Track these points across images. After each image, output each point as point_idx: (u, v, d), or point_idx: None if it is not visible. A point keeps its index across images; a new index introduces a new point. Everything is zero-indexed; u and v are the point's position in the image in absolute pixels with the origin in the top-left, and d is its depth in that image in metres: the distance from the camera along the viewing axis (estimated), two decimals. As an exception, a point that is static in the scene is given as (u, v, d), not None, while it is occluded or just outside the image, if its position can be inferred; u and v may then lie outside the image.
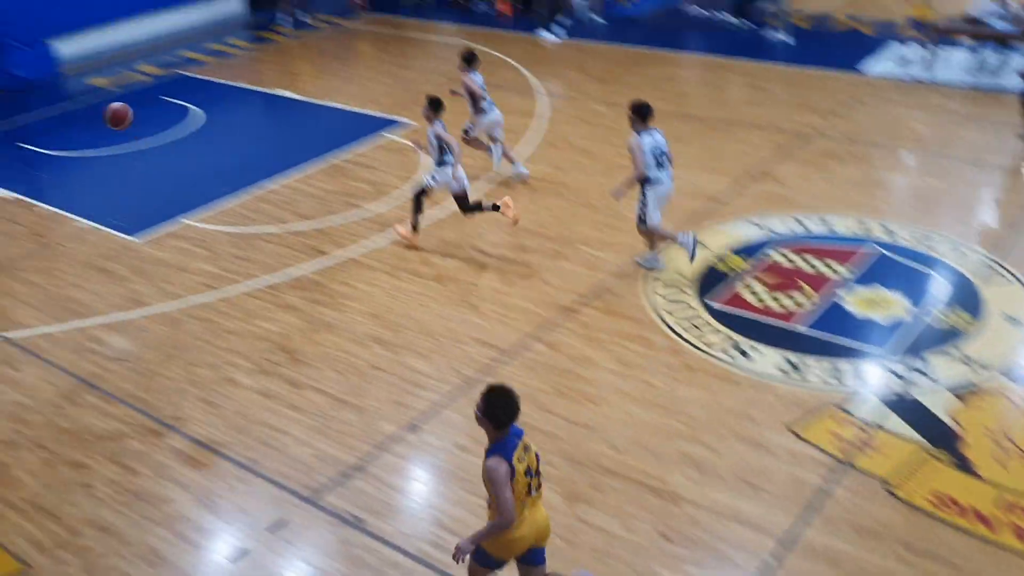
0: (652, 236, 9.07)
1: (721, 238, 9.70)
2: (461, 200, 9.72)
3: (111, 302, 9.22)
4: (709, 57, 16.07)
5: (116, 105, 9.16)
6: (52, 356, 8.36)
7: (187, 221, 10.87)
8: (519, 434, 4.73)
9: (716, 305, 8.51)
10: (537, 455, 4.80)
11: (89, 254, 10.22)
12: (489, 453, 4.65)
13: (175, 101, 14.94)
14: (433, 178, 9.67)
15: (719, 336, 8.05)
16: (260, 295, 9.19)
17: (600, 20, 18.42)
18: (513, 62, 16.03)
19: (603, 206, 10.54)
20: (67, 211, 11.33)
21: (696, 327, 8.20)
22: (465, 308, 8.73)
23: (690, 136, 12.38)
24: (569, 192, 11.06)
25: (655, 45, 16.67)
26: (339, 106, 14.48)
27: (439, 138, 9.45)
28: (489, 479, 4.61)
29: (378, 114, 13.94)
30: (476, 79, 11.32)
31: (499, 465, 4.58)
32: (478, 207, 9.77)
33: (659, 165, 8.72)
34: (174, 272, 9.74)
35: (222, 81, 15.99)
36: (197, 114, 14.36)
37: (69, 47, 17.36)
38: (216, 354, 8.25)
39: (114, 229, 10.77)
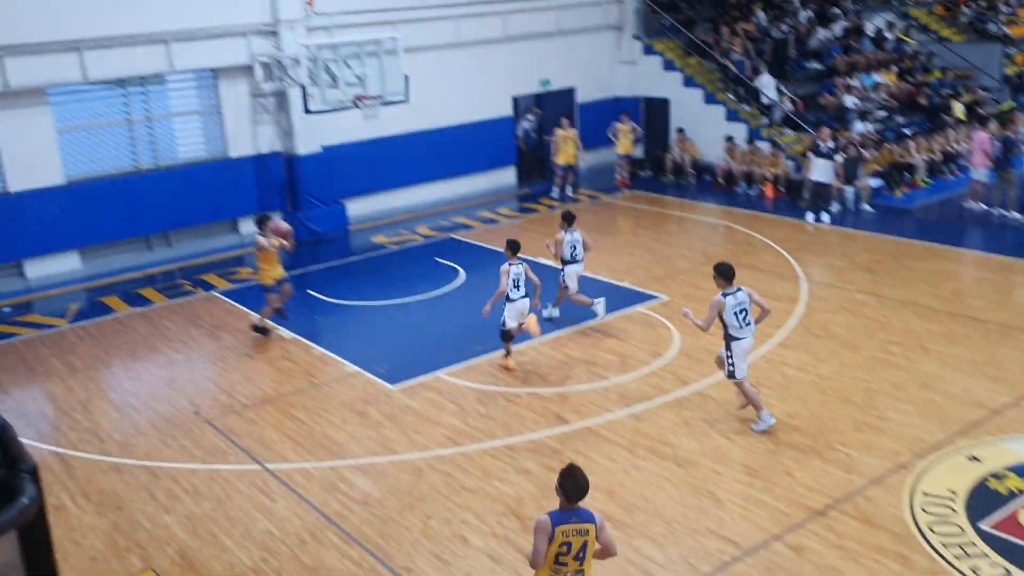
0: (743, 393, 9.51)
1: (999, 455, 8.81)
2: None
3: (364, 445, 9.69)
4: (990, 255, 15.13)
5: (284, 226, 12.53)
6: (304, 491, 8.84)
7: (440, 374, 11.36)
8: (584, 518, 5.61)
9: (990, 529, 7.65)
10: (585, 546, 5.59)
11: (351, 397, 10.88)
12: (550, 512, 5.65)
13: (444, 261, 15.96)
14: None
15: (989, 564, 7.18)
16: (498, 455, 9.32)
17: (869, 209, 17.95)
18: (776, 246, 15.86)
19: (864, 403, 9.96)
20: (338, 354, 12.20)
21: (964, 551, 7.38)
22: (704, 496, 8.40)
23: (965, 338, 11.57)
24: (826, 385, 10.55)
25: (927, 238, 15.97)
26: (595, 276, 14.84)
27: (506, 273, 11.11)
28: (535, 527, 5.64)
29: (633, 287, 14.15)
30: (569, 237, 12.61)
31: (546, 523, 5.59)
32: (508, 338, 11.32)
33: (744, 323, 9.25)
34: (423, 422, 10.13)
35: (487, 246, 16.93)
36: (461, 274, 15.24)
37: (359, 207, 19.18)
38: (452, 510, 8.39)
39: (375, 375, 11.44)
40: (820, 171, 17.51)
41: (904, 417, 9.67)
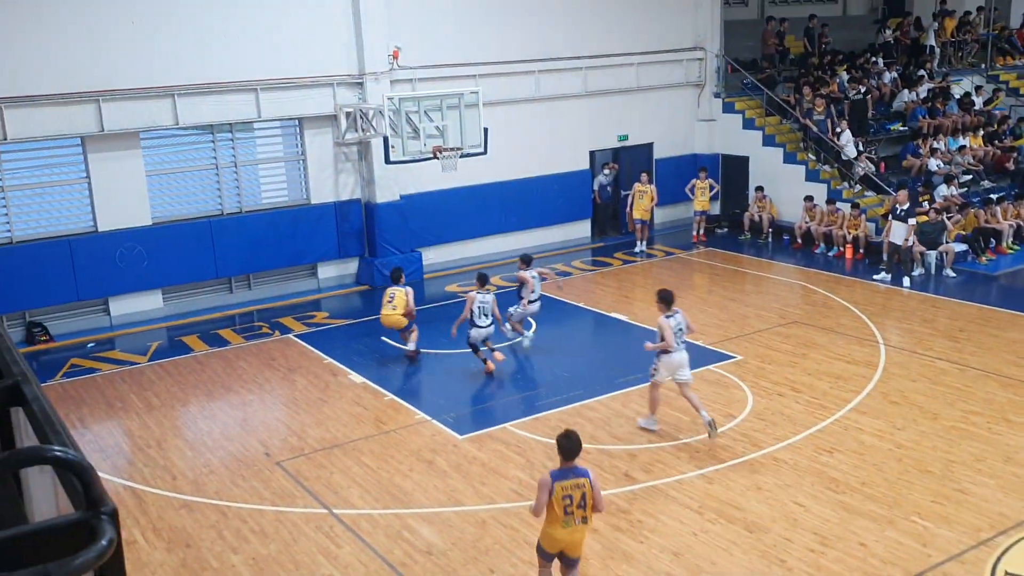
0: (651, 394, 10.94)
1: (1086, 534, 8.41)
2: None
3: (430, 494, 9.71)
4: (1080, 325, 14.59)
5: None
6: (369, 538, 8.87)
7: (508, 425, 11.34)
8: (580, 473, 7.01)
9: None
10: (584, 496, 6.94)
11: (419, 445, 10.93)
12: (551, 471, 7.11)
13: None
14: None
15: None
16: (566, 511, 9.22)
17: (952, 274, 17.50)
18: (854, 309, 15.55)
19: (943, 475, 9.64)
20: (408, 402, 12.30)
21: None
22: (774, 563, 8.18)
23: (1052, 410, 11.13)
24: (903, 453, 10.24)
25: (1013, 306, 15.48)
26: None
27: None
28: (539, 483, 7.08)
29: (706, 345, 13.99)
30: (529, 274, 14.19)
31: (546, 480, 6.99)
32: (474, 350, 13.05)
33: (679, 341, 10.60)
34: (489, 473, 10.10)
35: (561, 299, 16.94)
36: (533, 326, 15.26)
37: (434, 256, 19.43)
38: (516, 565, 8.32)
39: (444, 424, 11.49)
40: (897, 233, 17.24)
41: (986, 491, 9.31)
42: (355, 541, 8.83)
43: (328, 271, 18.50)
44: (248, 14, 16.54)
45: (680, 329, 10.72)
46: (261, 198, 17.99)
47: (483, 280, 13.22)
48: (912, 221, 17.38)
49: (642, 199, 20.26)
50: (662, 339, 10.61)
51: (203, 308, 17.04)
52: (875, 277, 17.50)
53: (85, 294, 15.92)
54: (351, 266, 18.73)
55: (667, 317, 10.66)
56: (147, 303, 16.61)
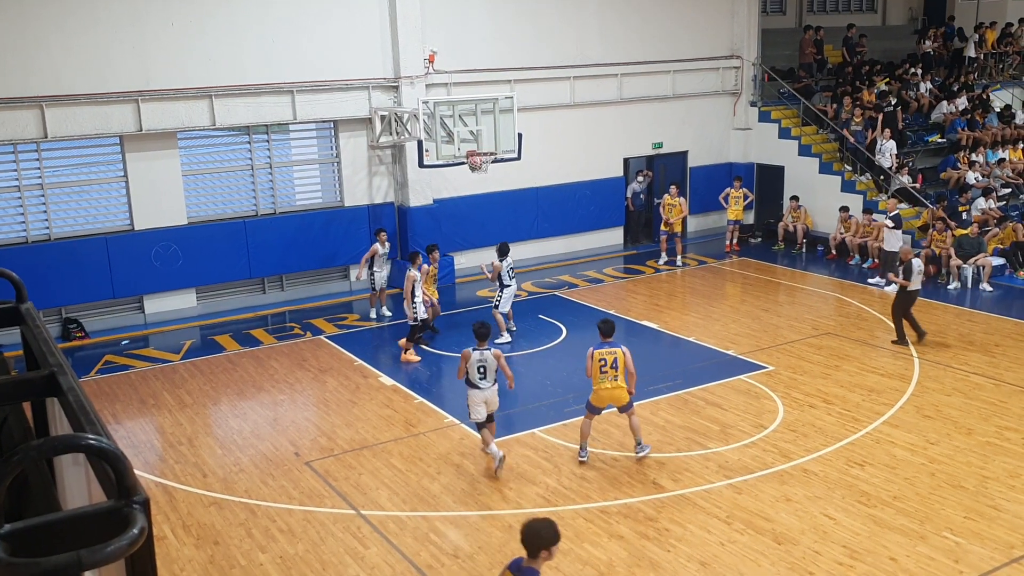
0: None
1: (1124, 555, 8.25)
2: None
3: (457, 498, 9.71)
4: (1120, 342, 14.31)
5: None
6: (397, 540, 8.89)
7: (537, 431, 11.33)
8: (613, 345, 10.12)
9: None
10: (616, 360, 10.05)
11: (448, 449, 10.94)
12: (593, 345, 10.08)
13: (547, 319, 16.01)
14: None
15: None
16: (592, 517, 9.20)
17: (989, 288, 17.25)
18: (888, 321, 15.36)
19: (976, 490, 9.49)
20: (437, 405, 12.32)
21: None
22: None
23: (1090, 428, 10.92)
24: (936, 468, 10.09)
25: (1053, 322, 15.23)
26: (697, 342, 14.65)
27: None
28: (587, 354, 10.17)
29: (738, 355, 13.89)
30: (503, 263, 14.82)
31: (591, 350, 10.18)
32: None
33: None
34: (516, 479, 10.09)
35: (592, 305, 16.91)
36: (564, 332, 15.25)
37: (466, 260, 19.44)
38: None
39: (473, 428, 11.48)
40: (889, 240, 17.57)
41: (1020, 508, 9.16)
42: (382, 543, 8.85)
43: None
44: (285, 17, 16.69)
45: (483, 367, 10.03)
46: (295, 199, 18.13)
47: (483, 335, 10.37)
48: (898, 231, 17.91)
49: (670, 212, 19.91)
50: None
51: (236, 308, 17.20)
52: (870, 281, 17.96)
53: (120, 292, 16.12)
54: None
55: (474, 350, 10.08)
56: (181, 302, 16.79)
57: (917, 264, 14.24)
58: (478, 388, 10.14)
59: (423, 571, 8.32)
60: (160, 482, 10.21)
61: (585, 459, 10.40)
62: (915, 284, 14.13)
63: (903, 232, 17.86)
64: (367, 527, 9.16)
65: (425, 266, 14.58)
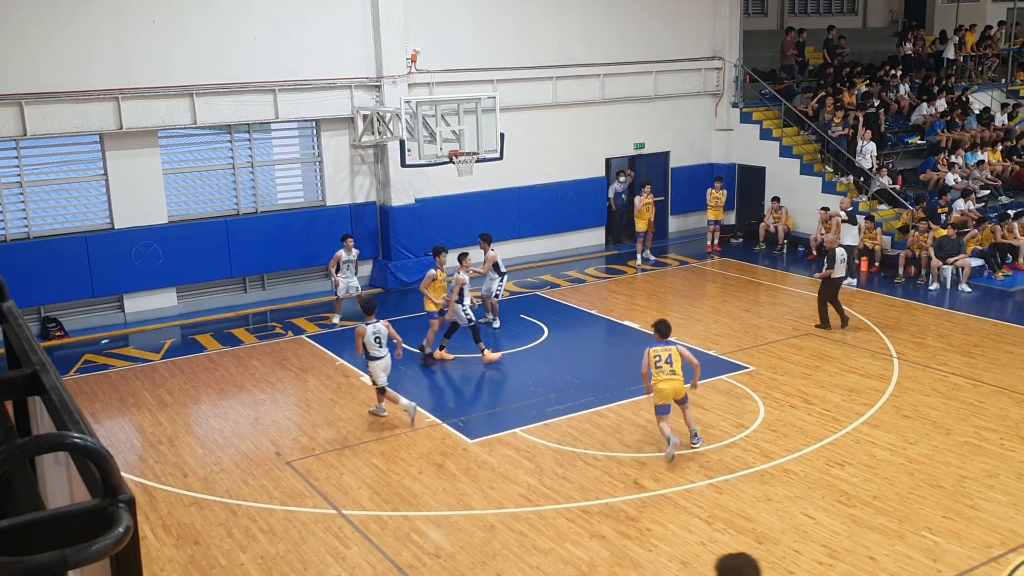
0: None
1: (1099, 553, 8.35)
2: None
3: (439, 498, 9.71)
4: (1096, 343, 14.47)
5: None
6: (378, 539, 8.88)
7: (519, 431, 11.34)
8: (668, 344, 10.34)
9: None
10: (671, 356, 10.21)
11: (429, 448, 10.93)
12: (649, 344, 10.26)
13: (529, 319, 16.02)
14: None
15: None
16: (573, 517, 9.22)
17: (968, 289, 17.41)
18: (868, 322, 15.49)
19: (955, 490, 9.59)
20: (419, 405, 12.27)
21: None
22: (782, 575, 8.14)
23: (1066, 428, 11.04)
24: (915, 467, 10.18)
25: (1030, 323, 15.40)
26: (679, 342, 14.65)
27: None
28: (644, 353, 10.25)
29: (719, 356, 13.96)
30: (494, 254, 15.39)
31: (648, 348, 10.40)
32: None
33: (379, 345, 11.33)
34: (498, 478, 10.10)
35: (574, 305, 16.94)
36: (546, 332, 15.27)
37: (448, 260, 19.32)
38: (523, 570, 8.31)
39: (454, 428, 11.50)
40: (847, 236, 17.79)
41: (997, 507, 9.25)
42: (363, 542, 8.84)
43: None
44: (267, 16, 16.63)
45: (377, 338, 11.37)
46: (277, 199, 18.06)
47: (370, 308, 11.84)
48: (861, 222, 18.48)
49: (650, 211, 20.18)
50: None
51: (217, 307, 17.12)
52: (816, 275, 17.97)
53: (100, 291, 16.02)
54: (365, 268, 18.76)
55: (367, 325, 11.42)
56: (162, 301, 16.70)
57: (840, 253, 15.14)
58: (379, 358, 11.51)
59: (404, 571, 8.31)
60: (140, 482, 10.16)
61: (674, 453, 10.26)
62: (839, 272, 15.13)
63: (854, 225, 18.25)
64: (348, 527, 9.14)
65: (433, 271, 14.37)
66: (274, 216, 17.60)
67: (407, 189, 18.44)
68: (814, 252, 20.18)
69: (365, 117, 17.55)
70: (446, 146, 16.31)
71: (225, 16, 16.24)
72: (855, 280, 17.87)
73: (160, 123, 15.97)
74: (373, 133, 17.57)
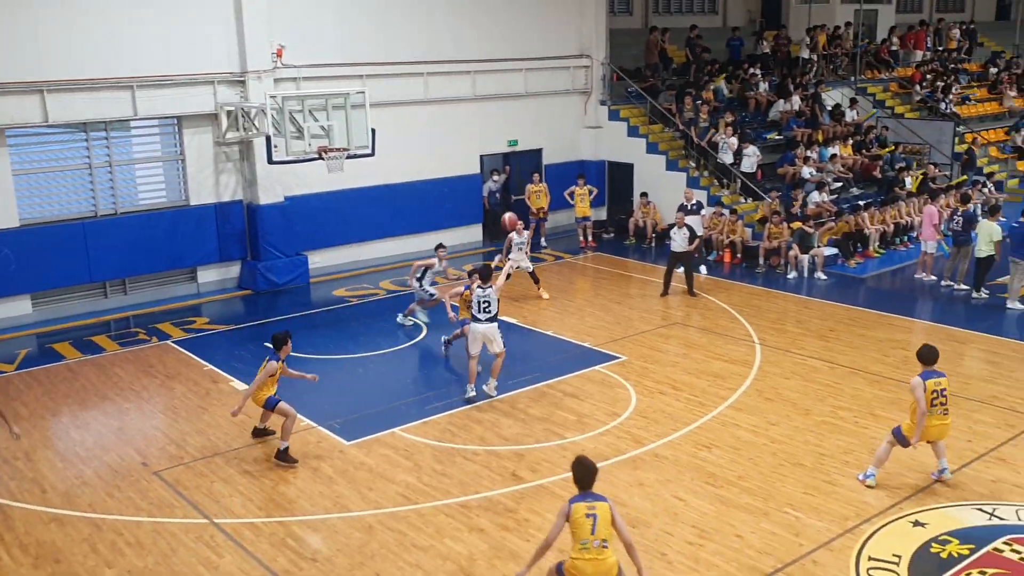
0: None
1: (942, 520, 8.92)
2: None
3: (315, 501, 9.56)
4: (939, 326, 15.41)
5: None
6: (252, 547, 8.68)
7: (396, 430, 11.27)
8: (596, 498, 6.85)
9: (934, 595, 7.71)
10: (599, 518, 6.69)
11: (304, 452, 10.74)
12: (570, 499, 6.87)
13: (409, 318, 15.92)
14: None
15: (936, 632, 7.22)
16: (452, 512, 9.24)
17: (823, 277, 18.26)
18: (732, 311, 16.06)
19: (814, 467, 10.06)
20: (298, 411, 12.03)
21: (909, 617, 7.42)
22: (655, 556, 8.37)
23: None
24: (777, 447, 10.64)
25: (879, 307, 16.26)
26: (554, 335, 14.90)
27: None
28: (558, 511, 6.86)
29: (591, 347, 14.21)
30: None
31: (564, 506, 6.85)
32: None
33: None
34: (376, 479, 10.02)
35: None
36: (424, 330, 15.23)
37: (321, 259, 19.13)
38: (403, 569, 8.28)
39: (329, 430, 11.34)
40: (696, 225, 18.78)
41: (853, 482, 9.75)
42: (237, 550, 8.63)
43: (208, 275, 18.00)
44: (125, 7, 15.96)
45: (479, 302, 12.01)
46: (138, 199, 17.37)
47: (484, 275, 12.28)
48: (704, 213, 19.79)
49: (538, 198, 20.68)
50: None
51: (76, 314, 16.36)
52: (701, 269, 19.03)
53: (-54, 299, 15.09)
54: (233, 270, 18.28)
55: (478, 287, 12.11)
56: (15, 309, 15.83)
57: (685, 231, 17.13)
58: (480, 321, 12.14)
59: (281, 576, 8.16)
60: (-6, 500, 9.63)
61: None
62: (677, 246, 17.14)
63: (697, 216, 19.36)
64: (221, 536, 8.90)
65: (461, 288, 13.78)
66: (135, 217, 16.93)
67: (275, 187, 18.04)
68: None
69: (229, 113, 17.08)
70: (315, 142, 16.06)
71: (79, 6, 15.49)
72: (704, 268, 19.02)
73: (7, 121, 15.13)
74: (238, 129, 17.12)
